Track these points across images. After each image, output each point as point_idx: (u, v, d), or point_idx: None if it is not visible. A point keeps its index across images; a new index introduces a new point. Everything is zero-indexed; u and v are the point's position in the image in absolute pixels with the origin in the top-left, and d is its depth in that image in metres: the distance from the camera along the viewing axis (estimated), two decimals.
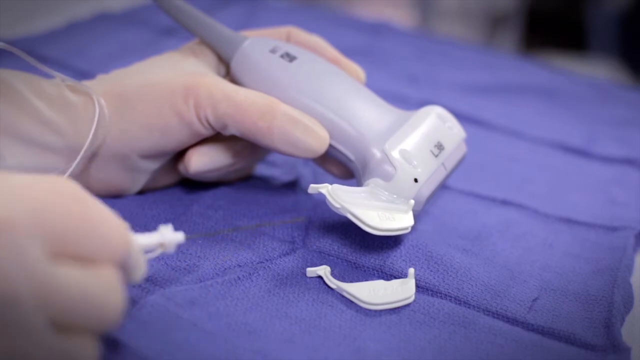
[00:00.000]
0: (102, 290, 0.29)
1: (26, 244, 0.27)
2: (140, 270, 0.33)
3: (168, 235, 0.35)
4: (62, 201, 0.29)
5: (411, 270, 0.42)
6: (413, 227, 0.42)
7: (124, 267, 0.32)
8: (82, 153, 0.41)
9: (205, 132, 0.43)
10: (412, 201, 0.42)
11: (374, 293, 0.40)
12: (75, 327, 0.29)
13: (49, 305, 0.28)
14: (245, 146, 0.46)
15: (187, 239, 0.36)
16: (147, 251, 0.35)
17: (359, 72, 0.48)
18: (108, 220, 0.30)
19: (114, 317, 0.30)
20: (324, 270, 0.41)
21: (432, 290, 0.42)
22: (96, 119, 0.42)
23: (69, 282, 0.28)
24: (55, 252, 0.28)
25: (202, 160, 0.45)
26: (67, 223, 0.29)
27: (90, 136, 0.41)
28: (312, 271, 0.42)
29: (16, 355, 0.27)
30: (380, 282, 0.41)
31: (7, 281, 0.27)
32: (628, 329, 0.42)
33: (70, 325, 0.29)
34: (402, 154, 0.42)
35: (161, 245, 0.35)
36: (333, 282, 0.41)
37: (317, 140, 0.43)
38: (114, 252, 0.30)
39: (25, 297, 0.27)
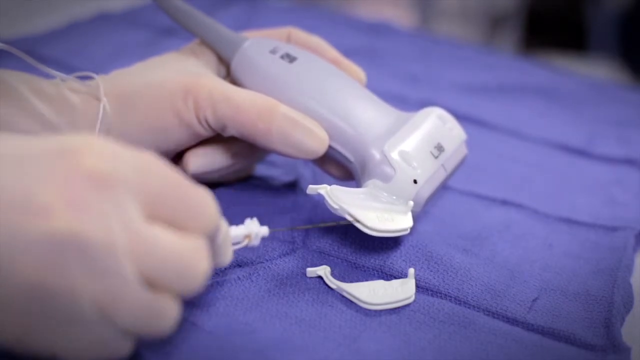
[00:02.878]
0: (190, 254, 0.30)
1: (126, 200, 0.29)
2: (228, 255, 0.35)
3: (254, 228, 0.37)
4: (162, 168, 0.31)
5: (411, 270, 0.42)
6: (413, 228, 0.42)
7: (212, 247, 0.33)
8: None
9: (205, 132, 0.43)
10: (411, 202, 0.42)
11: (374, 293, 0.40)
12: (163, 286, 0.30)
13: (142, 260, 0.29)
14: (244, 147, 0.46)
15: (272, 232, 0.38)
16: (234, 243, 0.36)
17: (360, 73, 0.48)
18: (202, 194, 0.32)
19: (199, 281, 0.31)
20: (324, 270, 0.41)
21: (432, 290, 0.42)
22: (100, 116, 0.42)
23: (161, 242, 0.30)
24: (151, 213, 0.30)
25: (201, 162, 0.45)
26: (165, 188, 0.30)
27: (96, 133, 0.41)
28: (312, 271, 0.42)
29: (105, 301, 0.29)
30: (380, 282, 0.41)
31: (106, 231, 0.28)
32: (628, 329, 0.42)
33: (158, 283, 0.30)
34: (402, 155, 0.42)
35: (247, 237, 0.37)
36: (333, 282, 0.41)
37: (317, 141, 0.43)
38: (205, 223, 0.32)
39: (120, 248, 0.28)
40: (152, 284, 0.30)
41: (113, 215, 0.29)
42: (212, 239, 0.33)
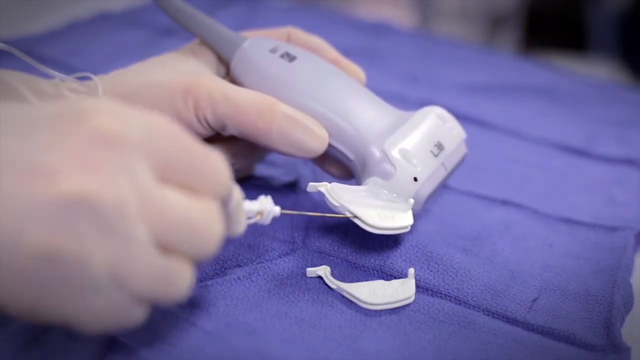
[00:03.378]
0: (203, 216, 0.30)
1: (136, 162, 0.28)
2: (241, 224, 0.34)
3: (267, 206, 0.37)
4: (173, 130, 0.30)
5: (411, 270, 0.42)
6: (413, 227, 0.42)
7: (225, 213, 0.33)
8: None
9: (205, 132, 0.43)
10: (412, 200, 0.42)
11: (374, 293, 0.40)
12: (176, 249, 0.29)
13: (154, 222, 0.28)
14: (244, 147, 0.46)
15: (282, 213, 0.37)
16: (247, 217, 0.36)
17: (359, 72, 0.48)
18: (214, 157, 0.31)
19: (213, 245, 0.30)
20: (324, 271, 0.41)
21: (432, 290, 0.42)
22: None
23: (173, 204, 0.29)
24: (163, 176, 0.29)
25: None
26: (177, 150, 0.30)
27: None
28: (312, 271, 0.42)
29: (118, 265, 0.28)
30: (380, 282, 0.41)
31: (116, 192, 0.27)
32: (628, 329, 0.42)
33: (171, 247, 0.29)
34: (402, 153, 0.42)
35: (259, 213, 0.36)
36: (333, 282, 0.41)
37: (317, 140, 0.43)
38: (217, 186, 0.31)
39: (131, 210, 0.28)
40: (165, 247, 0.29)
41: (123, 177, 0.28)
42: (225, 205, 0.32)
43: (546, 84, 0.78)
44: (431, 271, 0.43)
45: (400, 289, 0.41)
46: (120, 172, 0.28)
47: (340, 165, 0.48)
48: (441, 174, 0.44)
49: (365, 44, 0.84)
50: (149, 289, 0.29)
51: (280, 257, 0.43)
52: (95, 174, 0.27)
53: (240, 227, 0.34)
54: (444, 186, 0.48)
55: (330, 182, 0.42)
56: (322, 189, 0.41)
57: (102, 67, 0.65)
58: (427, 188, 0.43)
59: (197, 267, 0.41)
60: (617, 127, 0.69)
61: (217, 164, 0.31)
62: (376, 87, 0.48)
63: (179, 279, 0.30)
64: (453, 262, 0.44)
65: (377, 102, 0.45)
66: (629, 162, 0.62)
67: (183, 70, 0.44)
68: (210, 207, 0.30)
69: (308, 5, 1.13)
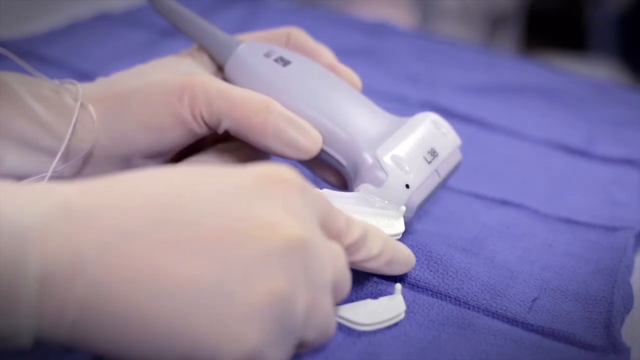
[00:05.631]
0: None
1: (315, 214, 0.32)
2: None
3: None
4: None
5: (398, 286, 0.40)
6: (413, 227, 0.42)
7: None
8: (58, 156, 0.41)
9: (200, 130, 0.43)
10: (404, 207, 0.42)
11: (364, 314, 0.38)
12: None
13: (335, 270, 0.32)
14: (239, 158, 0.46)
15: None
16: None
17: (355, 78, 0.48)
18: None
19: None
20: None
21: (432, 291, 0.42)
22: (74, 120, 0.42)
23: (340, 252, 0.33)
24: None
25: None
26: (326, 207, 0.34)
27: (67, 138, 0.41)
28: None
29: (312, 309, 0.31)
30: (369, 302, 0.39)
31: (319, 240, 0.32)
32: (628, 329, 0.42)
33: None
34: (394, 160, 0.42)
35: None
36: None
37: (311, 140, 0.43)
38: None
39: (326, 257, 0.32)
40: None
41: (316, 227, 0.32)
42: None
43: (546, 84, 0.78)
44: (431, 271, 0.43)
45: (389, 306, 0.39)
46: (312, 221, 0.32)
47: (335, 172, 0.48)
48: (434, 181, 0.44)
49: (365, 44, 0.84)
50: (317, 334, 0.32)
51: None
52: (302, 222, 0.31)
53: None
54: (444, 186, 0.48)
55: (322, 188, 0.42)
56: None
57: (102, 67, 0.65)
58: (419, 195, 0.42)
59: None
60: (617, 127, 0.69)
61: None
62: (376, 87, 0.48)
63: (333, 327, 0.33)
64: (453, 262, 0.44)
65: (372, 108, 0.45)
66: (629, 162, 0.62)
67: (180, 71, 0.44)
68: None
69: (308, 5, 1.13)
